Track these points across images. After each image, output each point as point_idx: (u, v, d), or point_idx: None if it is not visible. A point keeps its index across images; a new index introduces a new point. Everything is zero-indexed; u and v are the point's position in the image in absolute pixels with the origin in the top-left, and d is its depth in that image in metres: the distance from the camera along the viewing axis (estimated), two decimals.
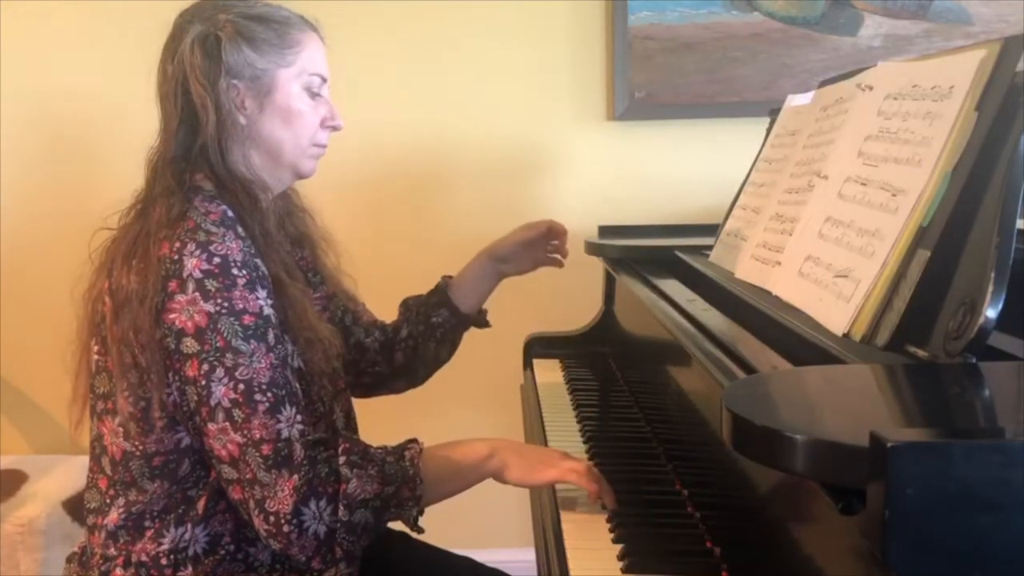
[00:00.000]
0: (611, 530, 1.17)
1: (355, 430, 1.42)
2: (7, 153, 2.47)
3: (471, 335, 2.45)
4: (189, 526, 1.21)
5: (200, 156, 1.24)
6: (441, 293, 1.63)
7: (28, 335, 2.44)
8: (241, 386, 1.13)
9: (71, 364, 1.26)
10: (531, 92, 2.42)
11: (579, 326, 2.08)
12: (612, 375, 1.88)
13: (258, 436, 1.12)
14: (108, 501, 1.24)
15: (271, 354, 1.15)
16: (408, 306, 1.63)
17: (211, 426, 1.14)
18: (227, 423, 1.13)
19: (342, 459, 1.15)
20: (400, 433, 1.76)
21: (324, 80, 1.33)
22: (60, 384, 1.27)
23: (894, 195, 1.03)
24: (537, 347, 2.06)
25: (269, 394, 1.14)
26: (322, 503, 1.13)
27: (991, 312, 0.83)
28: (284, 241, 1.36)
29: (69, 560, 1.32)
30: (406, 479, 1.17)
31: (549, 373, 1.93)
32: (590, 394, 1.78)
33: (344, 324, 1.53)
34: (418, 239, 2.47)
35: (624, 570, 1.07)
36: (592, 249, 2.03)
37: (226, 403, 1.13)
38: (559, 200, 2.45)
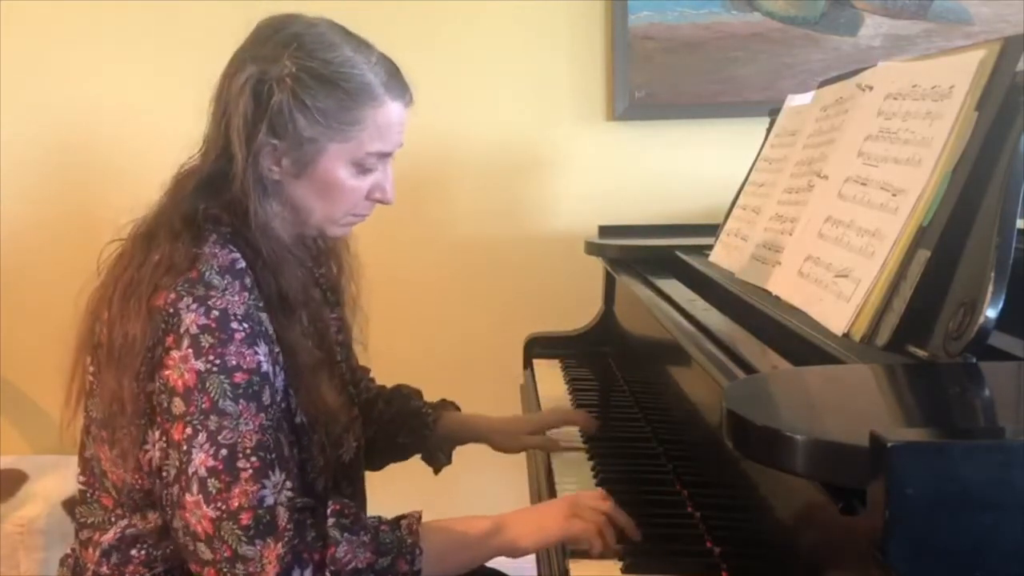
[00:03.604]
0: (617, 540, 1.17)
1: (362, 462, 1.38)
2: (8, 154, 2.47)
3: (470, 334, 2.45)
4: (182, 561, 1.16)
5: (223, 197, 1.17)
6: (425, 426, 1.51)
7: (28, 335, 2.43)
8: (223, 451, 1.05)
9: (64, 365, 1.21)
10: (531, 92, 2.42)
11: (579, 326, 2.08)
12: (612, 375, 1.88)
13: (236, 505, 1.04)
14: (113, 520, 1.20)
15: (262, 415, 1.08)
16: (389, 411, 1.53)
17: (188, 497, 1.05)
18: (200, 495, 1.05)
19: (331, 521, 1.06)
20: None
21: (387, 155, 1.22)
22: (60, 384, 1.27)
23: (894, 195, 1.03)
24: (537, 347, 2.06)
25: (254, 459, 1.06)
26: (307, 572, 1.03)
27: (991, 312, 0.83)
28: (305, 290, 1.27)
29: (62, 563, 1.30)
30: (403, 550, 1.07)
31: (549, 373, 1.92)
32: (590, 394, 1.78)
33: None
34: (417, 239, 2.47)
35: (624, 570, 1.07)
36: (592, 249, 2.03)
37: (202, 472, 1.05)
38: (559, 200, 2.45)
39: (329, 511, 1.07)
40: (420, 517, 1.12)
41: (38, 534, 2.10)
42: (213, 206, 1.16)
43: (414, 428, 1.51)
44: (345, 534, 1.06)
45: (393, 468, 1.57)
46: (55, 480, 2.23)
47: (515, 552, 1.15)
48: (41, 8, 2.42)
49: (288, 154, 1.17)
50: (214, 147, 1.19)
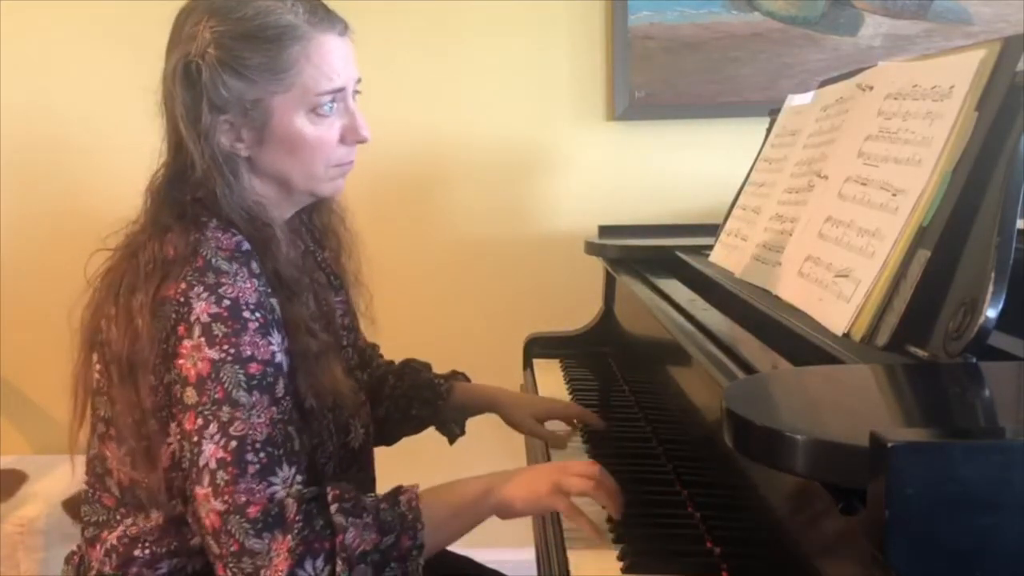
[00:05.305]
0: (611, 530, 1.17)
1: (371, 447, 1.37)
2: (7, 152, 2.47)
3: (471, 334, 2.45)
4: (186, 558, 1.17)
5: (193, 187, 1.15)
6: (438, 396, 1.52)
7: (28, 335, 2.44)
8: (233, 443, 1.04)
9: (69, 365, 1.20)
10: (531, 92, 2.42)
11: (579, 326, 2.08)
12: (612, 375, 1.88)
13: (243, 500, 1.03)
14: (118, 519, 1.20)
15: (274, 408, 1.07)
16: (401, 384, 1.53)
17: (199, 489, 1.05)
18: (210, 488, 1.04)
19: (334, 507, 1.05)
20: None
21: (338, 91, 1.17)
22: (60, 384, 1.26)
23: (894, 195, 1.03)
24: (537, 347, 2.05)
25: (263, 454, 1.05)
26: (319, 562, 1.02)
27: (991, 312, 0.83)
28: (308, 273, 1.26)
29: (67, 561, 1.30)
30: (405, 526, 1.07)
31: (549, 373, 1.92)
32: (590, 394, 1.78)
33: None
34: (417, 239, 2.47)
35: (624, 570, 1.07)
36: (592, 249, 2.04)
37: (212, 464, 1.04)
38: (559, 200, 2.45)
39: (330, 497, 1.06)
40: (418, 491, 1.11)
41: (38, 534, 2.10)
42: (194, 199, 1.15)
43: (427, 399, 1.52)
44: (350, 519, 1.05)
45: (400, 454, 1.58)
46: (55, 480, 2.24)
47: (508, 513, 1.15)
48: (41, 8, 2.42)
49: (243, 125, 1.15)
50: (171, 146, 1.18)
